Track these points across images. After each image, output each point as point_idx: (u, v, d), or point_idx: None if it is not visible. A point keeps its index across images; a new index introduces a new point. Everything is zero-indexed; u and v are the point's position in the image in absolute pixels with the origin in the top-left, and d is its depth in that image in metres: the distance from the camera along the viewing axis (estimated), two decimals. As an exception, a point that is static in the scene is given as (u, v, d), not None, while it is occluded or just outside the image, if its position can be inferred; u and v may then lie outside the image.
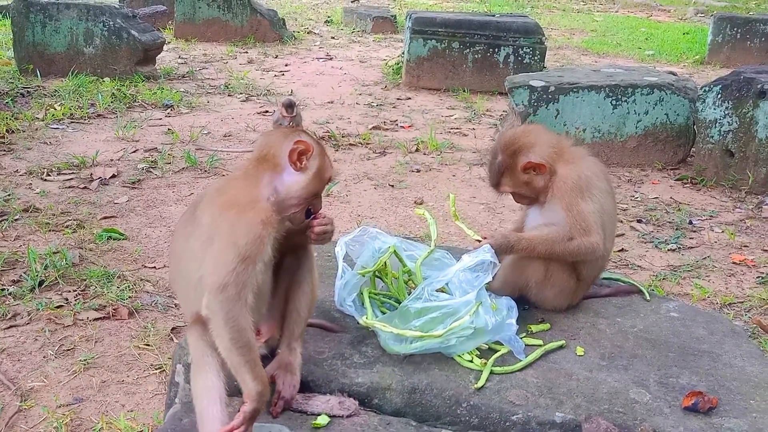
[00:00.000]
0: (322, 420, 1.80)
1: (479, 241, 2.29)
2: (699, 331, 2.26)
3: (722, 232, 4.84)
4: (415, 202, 5.16)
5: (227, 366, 1.76)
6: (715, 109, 5.60)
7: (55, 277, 3.79)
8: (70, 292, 3.70)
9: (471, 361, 1.99)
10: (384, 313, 2.15)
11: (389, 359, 1.99)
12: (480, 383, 1.91)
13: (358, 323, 2.10)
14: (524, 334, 2.17)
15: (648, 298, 2.47)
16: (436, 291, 2.10)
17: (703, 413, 1.85)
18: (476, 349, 2.04)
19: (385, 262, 2.22)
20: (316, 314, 2.17)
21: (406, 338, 1.96)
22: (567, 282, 2.26)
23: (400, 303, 2.13)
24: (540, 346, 2.10)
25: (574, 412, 1.84)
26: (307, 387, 1.91)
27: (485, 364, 1.97)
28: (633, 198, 5.40)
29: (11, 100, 6.88)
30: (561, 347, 2.12)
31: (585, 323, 2.27)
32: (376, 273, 2.25)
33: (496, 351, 2.05)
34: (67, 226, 4.42)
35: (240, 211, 1.78)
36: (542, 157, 2.27)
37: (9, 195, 4.81)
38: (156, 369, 3.17)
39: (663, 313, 2.36)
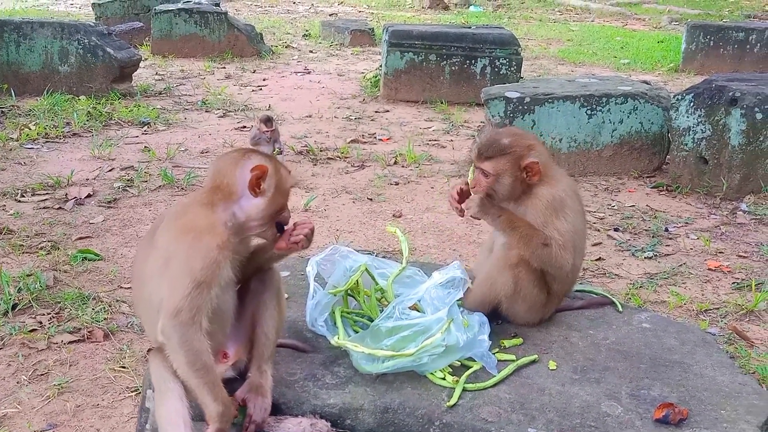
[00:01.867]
0: (294, 443, 1.78)
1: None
2: (670, 341, 2.27)
3: (698, 238, 4.88)
4: (393, 216, 5.16)
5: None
6: (688, 117, 5.67)
7: (29, 300, 3.74)
8: (44, 315, 3.65)
9: (443, 379, 1.99)
10: (357, 331, 2.15)
11: (362, 379, 1.99)
12: (452, 401, 1.91)
13: (330, 343, 2.09)
14: (497, 350, 2.17)
15: (620, 309, 2.48)
16: (409, 309, 2.10)
17: (674, 425, 1.85)
18: (449, 366, 2.04)
19: (357, 281, 2.22)
20: (287, 334, 2.16)
21: (378, 358, 1.96)
22: (537, 296, 2.27)
23: (372, 321, 2.12)
24: (512, 361, 2.10)
25: (546, 428, 1.84)
26: (278, 409, 1.90)
27: (457, 381, 1.97)
28: (610, 206, 5.44)
29: (-15, 120, 6.82)
30: (533, 362, 2.12)
31: (558, 337, 2.28)
32: (349, 291, 2.25)
33: (469, 368, 2.05)
34: (41, 248, 4.37)
35: (197, 236, 1.80)
36: (540, 164, 2.28)
37: (-18, 217, 4.76)
38: (132, 392, 3.13)
39: (635, 324, 2.38)
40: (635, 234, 4.96)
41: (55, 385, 3.13)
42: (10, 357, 3.31)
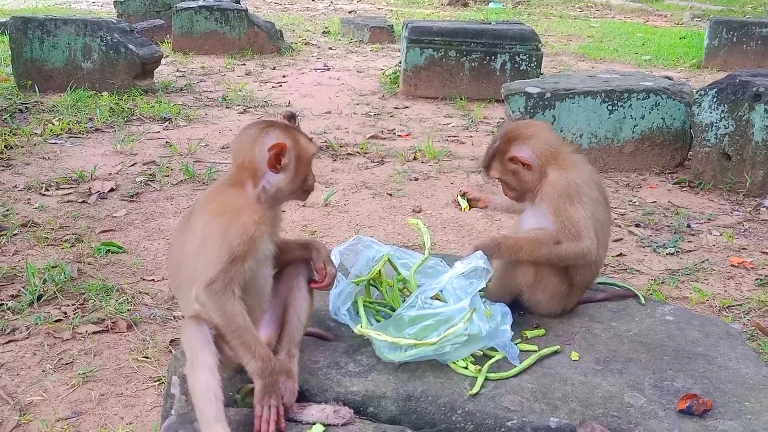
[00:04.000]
0: (317, 429, 1.80)
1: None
2: (694, 334, 2.26)
3: (720, 235, 4.84)
4: (413, 211, 5.17)
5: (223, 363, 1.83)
6: (711, 112, 5.62)
7: (54, 292, 3.79)
8: (68, 306, 3.71)
9: (466, 368, 1.99)
10: (379, 321, 2.16)
11: (384, 367, 2.00)
12: (475, 390, 1.92)
13: (352, 332, 2.10)
14: (519, 340, 2.17)
15: (643, 302, 2.47)
16: (431, 298, 2.10)
17: (697, 416, 1.85)
18: (471, 355, 2.05)
19: (379, 271, 2.23)
20: (311, 323, 2.17)
21: (400, 346, 1.96)
22: (558, 287, 2.26)
23: (394, 311, 2.13)
24: (535, 351, 2.10)
25: (569, 417, 1.84)
26: (302, 396, 1.91)
27: (480, 370, 1.98)
28: (631, 202, 5.41)
29: (10, 116, 6.91)
30: (556, 352, 2.12)
31: (580, 328, 2.28)
32: (371, 281, 2.26)
33: (491, 357, 2.06)
34: (65, 240, 4.43)
35: (233, 216, 1.84)
36: (534, 153, 2.27)
37: (8, 210, 4.82)
38: (155, 381, 3.17)
39: (658, 317, 2.37)
40: (657, 230, 4.93)
41: (79, 374, 3.18)
42: (36, 346, 3.36)
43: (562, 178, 2.22)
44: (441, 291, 2.12)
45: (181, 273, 1.92)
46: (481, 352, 2.07)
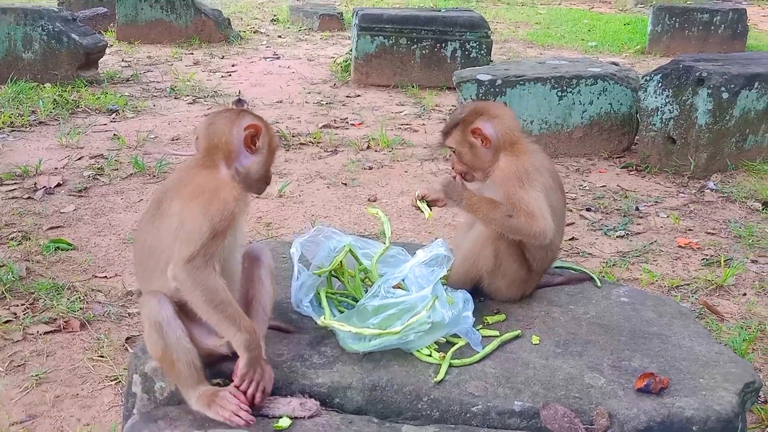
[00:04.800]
0: (284, 422, 1.79)
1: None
2: (648, 314, 2.33)
3: (667, 217, 4.97)
4: (368, 200, 5.17)
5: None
6: (656, 97, 5.75)
7: (2, 291, 3.68)
8: (18, 306, 3.60)
9: (430, 356, 2.01)
10: (342, 312, 2.16)
11: (349, 358, 2.00)
12: (439, 377, 1.94)
13: (316, 324, 2.10)
14: (481, 326, 2.20)
15: (599, 284, 2.53)
16: (393, 287, 2.11)
17: (655, 394, 1.90)
18: (434, 343, 2.06)
19: (341, 261, 2.22)
20: (274, 317, 2.16)
21: (364, 336, 1.97)
22: (518, 272, 2.30)
23: (357, 301, 2.14)
24: (496, 336, 2.13)
25: (532, 400, 1.88)
26: (267, 390, 1.90)
27: (444, 357, 2.00)
28: (581, 187, 5.51)
29: (-53, 109, 6.66)
30: (517, 337, 2.16)
31: (539, 312, 2.32)
32: (333, 272, 2.26)
33: (454, 344, 2.08)
34: (12, 239, 4.30)
35: (211, 194, 1.84)
36: (496, 132, 2.30)
37: (-51, 209, 4.66)
38: (111, 380, 3.11)
39: (614, 299, 2.42)
40: (607, 213, 5.03)
41: (32, 376, 3.09)
42: (-14, 349, 3.27)
43: (512, 163, 2.26)
44: (403, 280, 2.13)
45: (155, 261, 1.89)
46: (445, 339, 2.09)
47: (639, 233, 4.73)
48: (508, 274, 2.29)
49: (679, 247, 4.54)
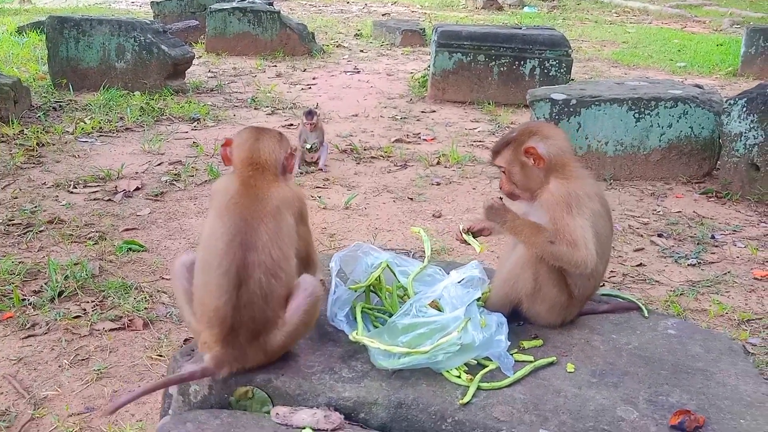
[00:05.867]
0: (307, 433, 1.82)
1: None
2: (695, 348, 2.23)
3: (745, 247, 4.75)
4: (433, 215, 5.17)
5: None
6: (740, 122, 5.52)
7: (75, 288, 3.89)
8: (88, 302, 3.79)
9: (459, 377, 2.00)
10: (377, 327, 2.17)
11: (378, 374, 2.01)
12: (466, 399, 1.92)
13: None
14: (516, 350, 2.17)
15: (646, 315, 2.44)
16: (430, 306, 2.11)
17: (690, 433, 1.83)
18: (465, 364, 2.05)
19: (379, 277, 2.24)
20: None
21: (394, 353, 1.98)
22: (558, 297, 2.25)
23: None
24: (530, 362, 2.10)
25: (558, 429, 1.84)
26: (294, 400, 1.94)
27: (472, 379, 1.98)
28: (655, 212, 5.34)
29: (43, 114, 7.09)
30: (551, 363, 2.11)
31: (579, 340, 2.26)
32: (371, 287, 2.28)
33: (485, 367, 2.06)
34: (89, 238, 4.53)
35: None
36: (548, 152, 2.27)
37: (36, 207, 4.95)
38: (166, 379, 3.22)
39: (660, 330, 2.34)
40: (680, 240, 4.86)
41: (94, 370, 3.25)
42: (54, 342, 3.45)
43: (562, 187, 2.22)
44: (438, 299, 2.12)
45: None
46: (476, 362, 2.07)
47: (712, 263, 4.54)
48: (548, 298, 2.25)
49: (755, 279, 4.33)
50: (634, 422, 1.87)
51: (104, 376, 3.23)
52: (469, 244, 2.40)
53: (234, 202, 1.98)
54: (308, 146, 6.04)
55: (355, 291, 2.20)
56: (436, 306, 2.14)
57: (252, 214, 1.95)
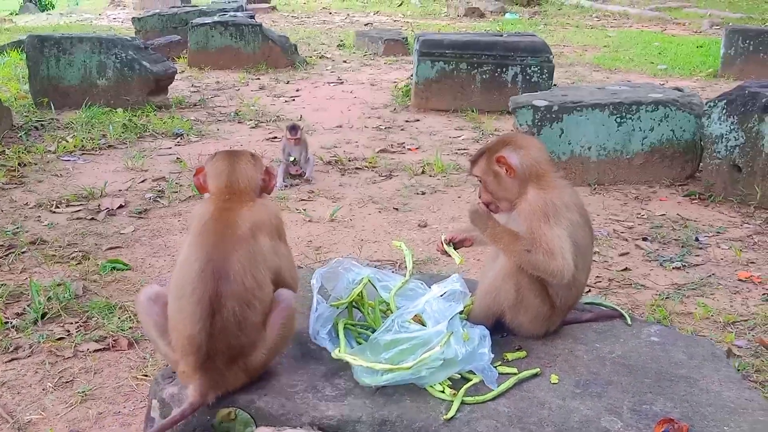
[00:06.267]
0: (290, 454, 1.81)
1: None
2: (678, 355, 2.24)
3: (729, 248, 4.77)
4: (418, 225, 5.17)
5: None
6: (720, 124, 5.56)
7: (58, 310, 3.84)
8: (71, 324, 3.75)
9: (443, 392, 1.99)
10: (360, 343, 2.17)
11: (361, 391, 2.00)
12: (450, 414, 1.91)
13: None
14: (500, 363, 2.17)
15: (629, 322, 2.45)
16: (413, 321, 2.11)
17: (674, 441, 1.83)
18: (449, 379, 2.04)
19: (361, 293, 2.23)
20: (291, 347, 2.19)
21: (377, 370, 1.97)
22: (540, 308, 2.25)
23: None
24: (514, 374, 2.09)
25: (543, 442, 1.83)
26: (277, 420, 1.93)
27: (455, 394, 1.97)
28: (639, 216, 5.36)
29: (25, 133, 7.04)
30: (535, 375, 2.11)
31: (563, 350, 2.26)
32: (354, 303, 2.27)
33: (469, 380, 2.05)
34: (72, 258, 4.49)
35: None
36: (521, 163, 2.28)
37: (18, 228, 4.91)
38: (152, 400, 3.19)
39: (643, 338, 2.34)
40: (664, 244, 4.87)
41: (79, 392, 3.21)
42: (38, 364, 3.41)
43: (539, 197, 2.22)
44: (422, 313, 2.12)
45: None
46: (459, 376, 2.06)
47: (697, 265, 4.56)
48: (530, 309, 2.25)
49: (740, 280, 4.35)
50: (619, 432, 1.87)
51: (89, 398, 3.19)
52: (450, 255, 2.40)
53: (207, 228, 1.97)
54: (292, 159, 6.03)
55: (337, 308, 2.19)
56: (419, 320, 2.13)
57: (224, 241, 1.94)
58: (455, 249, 2.44)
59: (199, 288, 1.89)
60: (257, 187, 2.13)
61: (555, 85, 8.45)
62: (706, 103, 5.77)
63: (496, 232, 2.24)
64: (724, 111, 5.54)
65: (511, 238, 2.20)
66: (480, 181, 2.39)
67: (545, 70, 8.45)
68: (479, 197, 2.42)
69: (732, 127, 5.49)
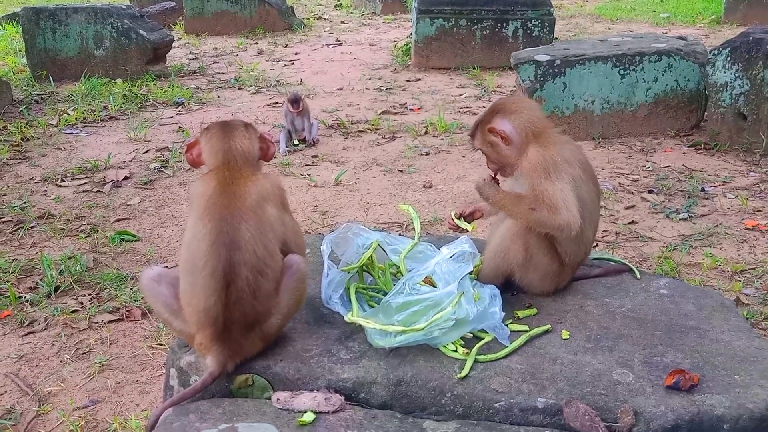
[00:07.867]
0: (308, 417, 1.84)
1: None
2: (688, 307, 2.26)
3: (735, 197, 4.77)
4: (423, 186, 5.17)
5: None
6: (725, 72, 5.51)
7: (71, 282, 3.89)
8: (84, 296, 3.80)
9: (455, 351, 2.02)
10: (372, 306, 2.19)
11: (375, 353, 2.03)
12: (464, 372, 1.94)
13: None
14: (511, 321, 2.19)
15: (638, 276, 2.46)
16: (423, 283, 2.13)
17: (685, 391, 1.85)
18: (461, 338, 2.07)
19: (371, 257, 2.25)
20: (305, 311, 2.22)
21: (390, 332, 1.99)
22: (549, 265, 2.26)
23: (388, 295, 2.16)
24: (525, 331, 2.12)
25: (556, 397, 1.86)
26: (293, 385, 1.96)
27: (468, 353, 2.00)
28: (644, 168, 5.35)
29: (26, 107, 7.02)
30: (547, 332, 2.13)
31: (573, 306, 2.28)
32: (364, 267, 2.29)
33: (481, 339, 2.08)
34: (81, 231, 4.52)
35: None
36: (514, 128, 2.28)
37: (25, 203, 4.93)
38: (168, 368, 3.25)
39: (653, 291, 2.36)
40: (670, 195, 4.87)
41: (96, 363, 3.26)
42: (54, 337, 3.46)
43: (539, 154, 2.22)
44: (432, 275, 2.14)
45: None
46: (472, 335, 2.09)
47: (704, 215, 4.57)
48: (540, 267, 2.26)
49: (747, 229, 4.36)
50: (630, 385, 1.89)
51: (106, 368, 3.25)
52: (463, 229, 2.44)
53: (213, 202, 1.98)
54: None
55: (348, 272, 2.21)
56: (430, 282, 2.15)
57: (232, 213, 1.95)
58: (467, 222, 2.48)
59: (211, 261, 1.90)
60: (256, 157, 2.12)
61: (556, 38, 8.37)
62: (710, 51, 5.71)
63: (499, 198, 2.25)
64: (728, 59, 5.48)
65: (516, 201, 2.21)
66: (482, 152, 2.39)
67: (546, 24, 8.35)
68: (487, 166, 2.43)
69: (736, 75, 5.44)
